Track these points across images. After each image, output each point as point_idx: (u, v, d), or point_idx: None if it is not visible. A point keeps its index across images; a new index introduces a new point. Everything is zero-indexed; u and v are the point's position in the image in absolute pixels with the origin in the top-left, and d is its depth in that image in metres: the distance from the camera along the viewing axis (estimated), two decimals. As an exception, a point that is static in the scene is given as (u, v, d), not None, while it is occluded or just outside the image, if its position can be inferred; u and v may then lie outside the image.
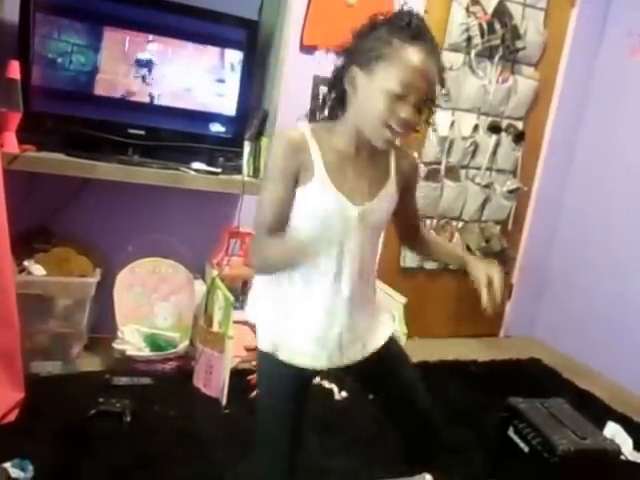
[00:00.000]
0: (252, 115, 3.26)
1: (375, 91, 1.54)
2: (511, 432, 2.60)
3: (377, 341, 1.85)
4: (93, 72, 2.94)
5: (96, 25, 2.90)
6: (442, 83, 1.61)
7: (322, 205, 1.64)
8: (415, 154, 1.87)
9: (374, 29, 1.58)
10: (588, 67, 4.30)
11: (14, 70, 2.66)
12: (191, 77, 3.14)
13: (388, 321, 1.94)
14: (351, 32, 1.63)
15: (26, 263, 2.90)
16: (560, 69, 4.25)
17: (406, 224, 1.95)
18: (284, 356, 1.74)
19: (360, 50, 1.58)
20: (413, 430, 1.99)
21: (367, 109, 1.58)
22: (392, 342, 1.92)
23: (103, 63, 2.94)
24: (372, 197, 1.69)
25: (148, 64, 3.02)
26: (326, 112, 1.74)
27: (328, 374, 1.78)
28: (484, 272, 1.82)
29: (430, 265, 4.15)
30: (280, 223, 1.64)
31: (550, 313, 4.57)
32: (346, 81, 1.61)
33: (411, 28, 1.54)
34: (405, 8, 1.60)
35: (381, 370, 1.88)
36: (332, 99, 1.71)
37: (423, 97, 1.55)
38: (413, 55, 1.52)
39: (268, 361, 1.76)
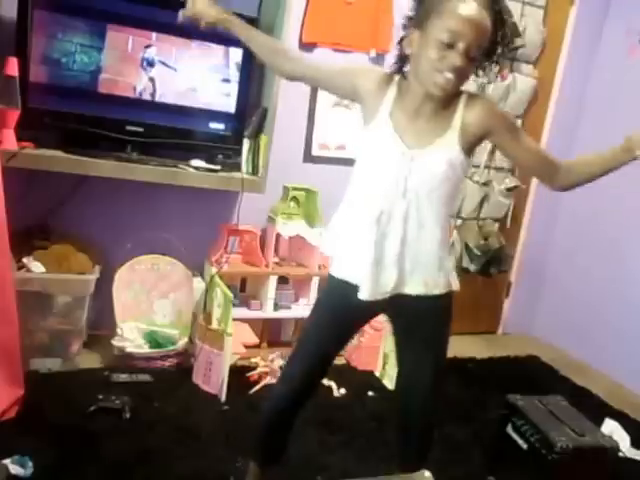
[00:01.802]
0: (251, 112, 3.26)
1: (427, 43, 1.67)
2: (509, 429, 2.61)
3: (438, 288, 1.92)
4: (92, 69, 2.94)
5: (96, 22, 2.89)
6: (502, 33, 1.73)
7: (379, 143, 1.80)
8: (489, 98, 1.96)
9: None
10: (587, 65, 4.31)
11: (12, 67, 2.66)
12: (197, 77, 3.14)
13: (441, 285, 1.94)
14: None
15: (25, 260, 2.90)
16: (559, 67, 4.26)
17: (538, 169, 2.00)
18: (340, 273, 1.93)
19: (418, 13, 1.74)
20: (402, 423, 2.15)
21: (421, 60, 1.70)
22: (438, 318, 2.02)
23: (103, 60, 2.93)
24: (427, 144, 1.78)
25: (150, 62, 3.02)
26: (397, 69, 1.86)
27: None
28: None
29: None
30: (297, 64, 2.01)
31: (548, 310, 4.58)
32: (406, 44, 1.76)
33: None
34: None
35: (404, 323, 2.02)
36: (399, 63, 1.83)
37: (473, 45, 1.64)
38: (459, 5, 1.64)
39: (331, 280, 1.98)
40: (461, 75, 1.68)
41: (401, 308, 1.95)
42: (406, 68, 1.81)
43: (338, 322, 2.01)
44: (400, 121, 1.78)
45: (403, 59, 1.81)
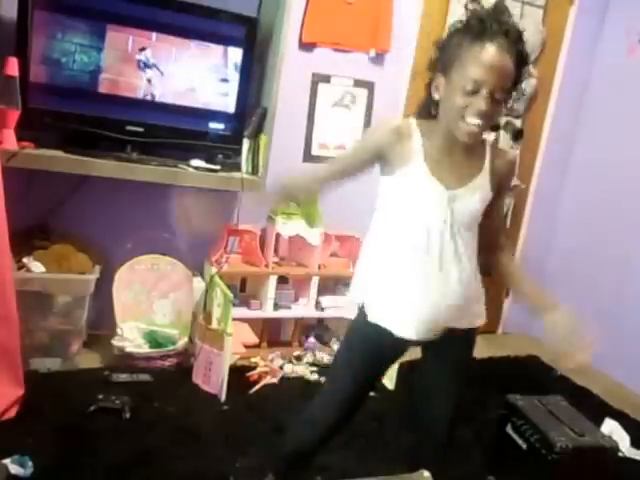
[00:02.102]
0: (251, 112, 3.26)
1: (453, 90, 1.70)
2: (509, 429, 2.61)
3: (470, 321, 1.94)
4: (92, 69, 2.94)
5: (95, 22, 2.89)
6: (519, 74, 1.72)
7: (418, 187, 1.78)
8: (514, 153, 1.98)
9: (451, 37, 1.76)
10: (587, 65, 4.31)
11: (12, 67, 2.66)
12: (196, 77, 3.13)
13: (481, 315, 1.99)
14: (433, 44, 1.82)
15: (25, 260, 2.90)
16: (559, 67, 4.25)
17: (488, 228, 1.96)
18: (384, 321, 1.86)
19: (442, 59, 1.76)
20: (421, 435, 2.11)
21: (448, 107, 1.73)
22: (467, 340, 2.03)
23: (102, 60, 2.93)
24: (464, 184, 1.80)
25: (149, 63, 3.02)
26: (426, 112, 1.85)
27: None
28: (564, 336, 1.96)
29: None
30: (337, 180, 1.89)
31: (548, 310, 4.55)
32: (433, 89, 1.78)
33: (480, 26, 1.67)
34: (479, 7, 1.76)
35: (440, 361, 2.00)
36: (427, 107, 1.83)
37: (497, 89, 1.66)
38: (480, 52, 1.65)
39: (366, 324, 1.89)
40: (488, 118, 1.69)
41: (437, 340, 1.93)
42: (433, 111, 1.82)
43: (378, 370, 2.05)
44: (434, 163, 1.78)
45: (431, 104, 1.82)
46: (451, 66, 1.70)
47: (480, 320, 1.97)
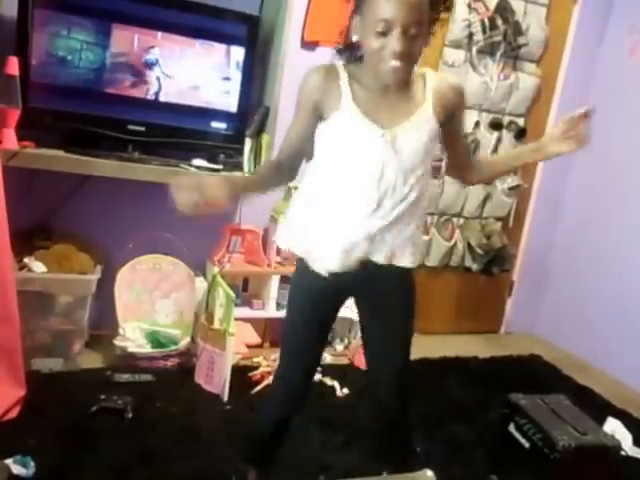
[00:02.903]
0: (253, 111, 3.25)
1: (366, 32, 1.63)
2: (512, 428, 2.60)
3: (402, 260, 1.85)
4: (93, 68, 2.94)
5: (97, 20, 2.89)
6: (435, 5, 1.66)
7: (351, 130, 1.73)
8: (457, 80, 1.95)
9: None
10: (590, 64, 4.30)
11: (13, 66, 2.65)
12: (199, 75, 3.14)
13: (409, 257, 1.87)
14: None
15: (26, 260, 2.90)
16: (562, 66, 4.24)
17: (457, 155, 1.97)
18: (312, 261, 1.85)
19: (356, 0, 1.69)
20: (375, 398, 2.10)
21: (366, 50, 1.67)
22: (402, 281, 1.94)
23: (104, 59, 2.93)
24: (401, 122, 1.74)
25: (153, 61, 3.02)
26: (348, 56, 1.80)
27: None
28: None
29: (431, 262, 4.15)
30: (290, 156, 1.85)
31: (550, 310, 4.57)
32: (352, 30, 1.71)
33: None
34: None
35: (381, 311, 1.94)
36: (350, 50, 1.78)
37: (410, 25, 1.58)
38: None
39: (299, 267, 1.91)
40: (409, 56, 1.63)
41: (367, 284, 1.89)
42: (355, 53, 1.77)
43: (321, 315, 1.97)
44: (366, 104, 1.72)
45: (351, 46, 1.76)
46: (362, 6, 1.64)
47: (406, 261, 1.85)
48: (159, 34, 3.02)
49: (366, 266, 1.82)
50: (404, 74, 1.67)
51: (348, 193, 1.76)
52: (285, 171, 1.88)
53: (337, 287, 1.88)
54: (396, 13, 1.56)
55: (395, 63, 1.61)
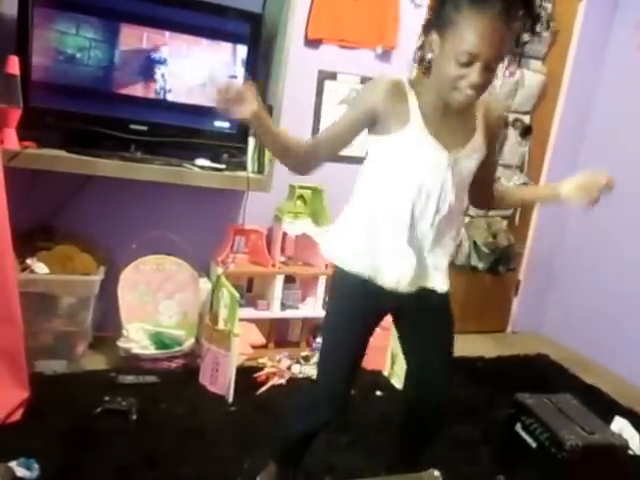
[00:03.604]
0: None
1: (446, 57, 1.63)
2: (519, 428, 2.59)
3: (440, 283, 1.91)
4: (94, 67, 2.92)
5: (98, 19, 2.87)
6: (517, 42, 1.73)
7: (418, 149, 1.74)
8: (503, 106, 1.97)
9: None
10: (596, 60, 4.27)
11: (13, 65, 2.64)
12: (202, 74, 3.11)
13: (446, 281, 1.94)
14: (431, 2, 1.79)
15: (29, 261, 2.89)
16: (568, 62, 4.22)
17: (484, 182, 1.98)
18: (364, 269, 1.84)
19: (439, 15, 1.66)
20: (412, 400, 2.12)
21: (440, 73, 1.67)
22: (447, 309, 2.01)
23: (106, 58, 2.92)
24: (462, 146, 1.78)
25: (158, 59, 3.01)
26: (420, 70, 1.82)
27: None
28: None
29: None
30: (324, 147, 1.81)
31: (557, 309, 4.55)
32: (426, 45, 1.72)
33: None
34: None
35: (417, 318, 1.98)
36: (421, 60, 1.80)
37: (492, 60, 1.60)
38: (477, 22, 1.56)
39: (349, 279, 1.86)
40: (482, 88, 1.65)
41: (416, 303, 1.91)
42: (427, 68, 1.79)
43: (366, 323, 1.98)
44: (431, 125, 1.73)
45: (424, 61, 1.78)
46: (446, 28, 1.62)
47: (446, 285, 1.92)
48: (167, 33, 3.01)
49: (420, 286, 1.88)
50: (473, 101, 1.71)
51: (410, 211, 1.77)
52: (310, 158, 1.83)
53: (388, 303, 1.91)
54: (483, 48, 1.57)
55: (470, 92, 1.64)
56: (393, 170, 1.78)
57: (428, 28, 1.71)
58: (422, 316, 1.96)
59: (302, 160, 1.83)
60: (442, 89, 1.68)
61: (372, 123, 1.75)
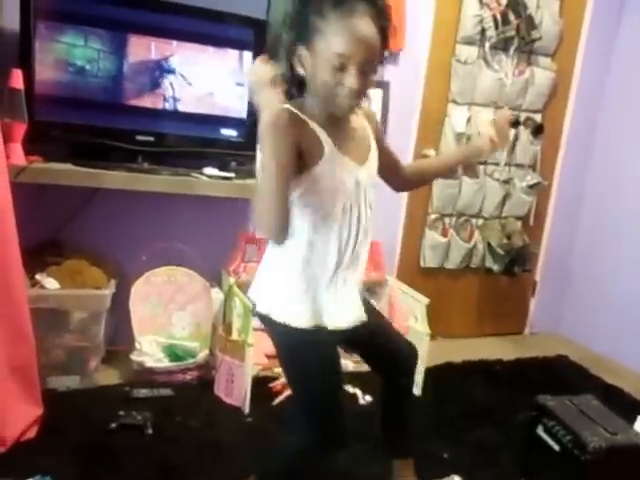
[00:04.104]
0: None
1: (319, 67, 1.58)
2: (540, 431, 2.54)
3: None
4: (98, 79, 2.91)
5: (101, 30, 2.87)
6: (385, 42, 1.63)
7: (339, 176, 1.69)
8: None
9: (307, 5, 1.59)
10: (606, 55, 4.22)
11: (17, 79, 2.63)
12: (214, 81, 3.12)
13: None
14: (287, 7, 1.66)
15: (38, 277, 2.87)
16: (578, 59, 4.16)
17: (392, 168, 1.98)
18: (328, 323, 1.78)
19: (302, 28, 1.59)
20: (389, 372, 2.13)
21: (318, 85, 1.61)
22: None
23: (109, 70, 2.91)
24: (367, 155, 1.79)
25: (160, 69, 3.00)
26: (292, 91, 1.71)
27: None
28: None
29: (451, 264, 4.09)
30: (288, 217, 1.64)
31: (575, 308, 4.49)
32: (296, 61, 1.63)
33: None
34: None
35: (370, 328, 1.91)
36: (291, 79, 1.69)
37: (365, 63, 1.57)
38: (343, 23, 1.53)
39: (306, 335, 1.76)
40: (362, 92, 1.62)
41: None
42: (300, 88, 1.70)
43: (338, 366, 1.93)
44: (338, 144, 1.68)
45: (297, 80, 1.67)
46: (313, 39, 1.57)
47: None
48: (174, 42, 3.00)
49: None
50: (356, 107, 1.69)
51: (337, 237, 1.73)
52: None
53: (344, 335, 1.84)
54: (353, 49, 1.54)
55: (352, 99, 1.61)
56: (316, 203, 1.69)
57: (293, 45, 1.62)
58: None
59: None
60: (325, 101, 1.63)
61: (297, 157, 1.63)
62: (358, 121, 1.80)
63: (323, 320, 1.76)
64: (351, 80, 1.56)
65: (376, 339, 2.02)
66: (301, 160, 1.61)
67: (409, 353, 2.14)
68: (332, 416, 1.89)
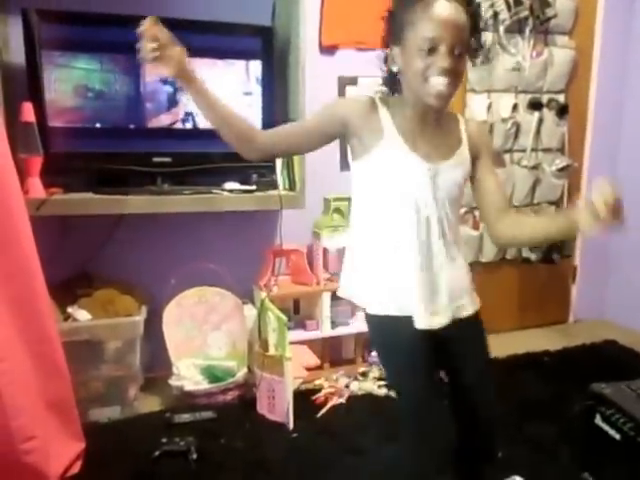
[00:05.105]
0: (279, 125, 3.16)
1: (410, 56, 1.63)
2: (598, 420, 2.44)
3: (473, 304, 1.89)
4: (109, 105, 2.88)
5: (106, 56, 2.84)
6: (475, 23, 1.66)
7: (393, 163, 1.70)
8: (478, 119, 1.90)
9: (397, 5, 1.69)
10: (626, 27, 4.11)
11: (29, 113, 2.63)
12: (224, 94, 3.05)
13: (476, 295, 1.93)
14: (381, 19, 1.74)
15: (70, 310, 2.86)
16: (596, 33, 4.05)
17: (490, 203, 1.86)
18: (395, 309, 1.76)
19: (392, 30, 1.69)
20: (467, 432, 1.88)
21: (410, 74, 1.65)
22: (479, 324, 1.93)
23: (119, 94, 2.88)
24: (445, 159, 1.75)
25: (173, 89, 2.97)
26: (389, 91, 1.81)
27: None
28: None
29: (485, 258, 4.01)
30: (285, 144, 1.83)
31: (619, 291, 4.37)
32: (390, 63, 1.73)
33: None
34: None
35: (460, 347, 1.87)
36: (390, 82, 1.79)
37: (455, 43, 1.59)
38: (430, 8, 1.58)
39: (391, 325, 1.77)
40: (454, 75, 1.62)
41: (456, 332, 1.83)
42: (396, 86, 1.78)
43: (425, 357, 1.81)
44: (408, 137, 1.71)
45: (392, 78, 1.77)
46: (402, 32, 1.64)
47: (476, 305, 1.90)
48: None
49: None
50: (447, 96, 1.65)
51: (411, 228, 1.73)
52: (257, 145, 1.82)
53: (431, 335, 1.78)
54: (443, 31, 1.58)
55: (442, 80, 1.60)
56: (382, 188, 1.75)
57: (387, 46, 1.73)
58: (467, 340, 1.89)
59: (254, 148, 1.83)
60: (416, 90, 1.66)
61: (340, 134, 1.74)
62: (455, 127, 1.81)
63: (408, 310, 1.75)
64: (441, 61, 1.58)
65: (467, 388, 1.90)
66: (359, 142, 1.71)
67: (482, 436, 1.94)
68: (428, 418, 1.78)
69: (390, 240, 1.75)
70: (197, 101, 1.74)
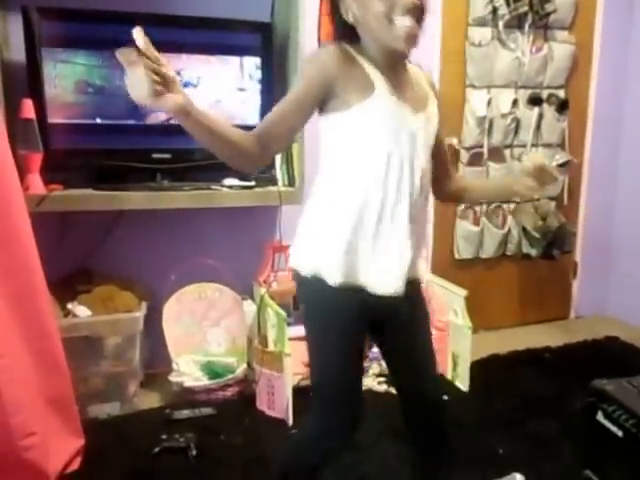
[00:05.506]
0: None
1: (368, 2, 1.49)
2: (600, 417, 2.43)
3: (421, 269, 1.75)
4: (109, 101, 2.87)
5: (106, 52, 2.82)
6: None
7: (390, 116, 1.56)
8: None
9: None
10: (626, 21, 4.09)
11: (29, 110, 2.62)
12: (220, 90, 3.07)
13: (423, 267, 1.78)
14: None
15: (70, 306, 2.85)
16: (596, 28, 4.04)
17: (445, 159, 1.84)
18: (352, 278, 1.60)
19: None
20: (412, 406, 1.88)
21: (369, 20, 1.51)
22: (420, 291, 1.81)
23: (118, 90, 2.85)
24: (424, 106, 1.65)
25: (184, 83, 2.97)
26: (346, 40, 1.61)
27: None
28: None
29: (486, 253, 4.00)
30: (277, 135, 1.54)
31: (620, 287, 4.37)
32: (344, 15, 1.56)
33: None
34: None
35: (405, 317, 1.72)
36: (344, 36, 1.60)
37: None
38: None
39: (331, 291, 1.60)
40: (421, 12, 1.50)
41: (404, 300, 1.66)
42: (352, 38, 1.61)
43: (361, 339, 1.74)
44: (393, 87, 1.57)
45: (347, 31, 1.58)
46: None
47: (423, 273, 1.78)
48: (184, 56, 2.97)
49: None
50: (416, 37, 1.52)
51: (385, 188, 1.56)
52: (263, 152, 1.54)
53: (377, 309, 1.66)
54: None
55: (409, 20, 1.47)
56: (360, 147, 1.57)
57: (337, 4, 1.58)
58: (408, 314, 1.73)
59: (256, 156, 1.54)
60: (380, 36, 1.52)
61: (326, 99, 1.53)
62: (417, 76, 1.69)
63: (357, 278, 1.60)
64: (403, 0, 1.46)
65: (405, 355, 1.80)
66: (337, 99, 1.53)
67: (432, 404, 1.88)
68: (340, 406, 1.75)
69: (359, 198, 1.57)
70: (195, 131, 1.42)
